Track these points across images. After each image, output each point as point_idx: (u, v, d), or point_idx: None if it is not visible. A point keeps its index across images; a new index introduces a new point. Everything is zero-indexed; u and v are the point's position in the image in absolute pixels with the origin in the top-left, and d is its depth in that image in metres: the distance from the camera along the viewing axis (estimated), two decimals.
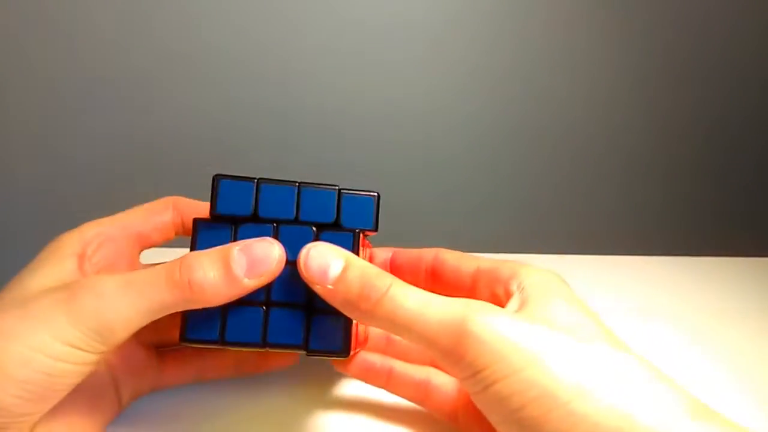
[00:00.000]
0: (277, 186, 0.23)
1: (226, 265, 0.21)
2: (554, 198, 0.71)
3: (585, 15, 0.64)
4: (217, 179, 0.23)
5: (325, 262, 0.21)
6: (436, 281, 0.26)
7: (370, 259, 0.27)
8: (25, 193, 0.61)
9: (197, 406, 0.27)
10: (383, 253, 0.27)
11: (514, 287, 0.23)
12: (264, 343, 0.22)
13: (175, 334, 0.24)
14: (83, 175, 0.61)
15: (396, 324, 0.20)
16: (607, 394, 0.18)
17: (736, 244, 0.50)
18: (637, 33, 0.66)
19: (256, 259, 0.22)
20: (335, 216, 0.23)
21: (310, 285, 0.22)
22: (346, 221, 0.23)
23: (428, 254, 0.26)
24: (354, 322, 0.23)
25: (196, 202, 0.27)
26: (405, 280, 0.26)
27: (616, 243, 0.51)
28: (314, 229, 0.23)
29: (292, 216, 0.23)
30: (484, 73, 0.65)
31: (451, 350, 0.19)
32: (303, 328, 0.22)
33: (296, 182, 0.23)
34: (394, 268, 0.27)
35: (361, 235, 0.24)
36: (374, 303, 0.20)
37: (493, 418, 0.20)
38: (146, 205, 0.26)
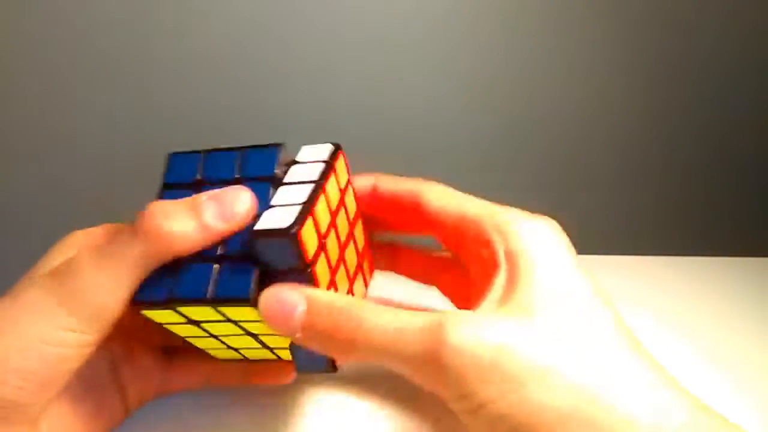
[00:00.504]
0: (222, 152, 0.23)
1: (196, 210, 0.20)
2: (552, 197, 0.71)
3: (582, 14, 0.64)
4: (169, 156, 0.24)
5: (286, 309, 0.20)
6: (419, 221, 0.24)
7: (345, 188, 0.25)
8: (24, 193, 0.61)
9: (202, 413, 0.27)
10: (365, 180, 0.26)
11: (500, 254, 0.21)
12: (213, 298, 0.21)
13: (178, 339, 0.23)
14: (83, 175, 0.61)
15: (376, 355, 0.19)
16: (597, 416, 0.17)
17: (736, 244, 0.50)
18: (635, 33, 0.66)
19: (226, 203, 0.21)
20: (272, 170, 0.23)
21: (276, 331, 0.20)
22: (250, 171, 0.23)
23: (412, 190, 0.24)
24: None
25: None
26: (386, 215, 0.25)
27: (615, 243, 0.51)
28: (271, 188, 0.22)
29: (235, 175, 0.23)
30: (483, 72, 0.65)
31: (433, 373, 0.18)
32: (253, 280, 0.21)
33: (240, 147, 0.23)
34: (375, 199, 0.25)
35: (335, 163, 0.24)
36: (349, 342, 0.19)
37: None
38: None
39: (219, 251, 0.21)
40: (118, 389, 0.24)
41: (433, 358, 0.18)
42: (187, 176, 0.23)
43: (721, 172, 0.74)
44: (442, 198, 0.24)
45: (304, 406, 0.27)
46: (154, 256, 0.20)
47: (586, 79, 0.67)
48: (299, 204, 0.21)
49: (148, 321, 0.22)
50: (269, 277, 0.21)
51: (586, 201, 0.72)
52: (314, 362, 0.22)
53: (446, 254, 0.27)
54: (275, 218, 0.20)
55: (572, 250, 0.21)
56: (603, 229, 0.72)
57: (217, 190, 0.21)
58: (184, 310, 0.21)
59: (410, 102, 0.65)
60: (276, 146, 0.23)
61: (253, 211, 0.21)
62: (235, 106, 0.62)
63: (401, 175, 0.26)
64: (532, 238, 0.21)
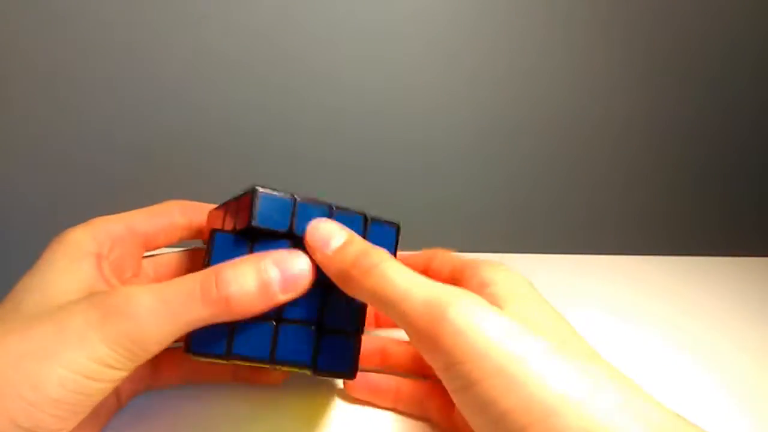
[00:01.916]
0: (314, 206, 0.23)
1: (261, 278, 0.21)
2: (554, 198, 0.71)
3: (587, 15, 0.64)
4: (256, 192, 0.22)
5: (329, 233, 0.22)
6: None
7: None
8: (24, 193, 0.61)
9: (197, 408, 0.27)
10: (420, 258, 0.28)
11: (477, 282, 0.22)
12: (272, 360, 0.22)
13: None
14: (83, 176, 0.61)
15: (381, 298, 0.20)
16: (585, 408, 0.17)
17: (736, 244, 0.50)
18: (638, 34, 0.66)
19: (290, 272, 0.21)
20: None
21: (311, 253, 0.22)
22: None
23: (425, 257, 0.26)
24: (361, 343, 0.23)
25: (202, 204, 0.27)
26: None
27: (615, 243, 0.51)
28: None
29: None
30: (485, 74, 0.65)
31: (427, 335, 0.19)
32: (312, 346, 0.22)
33: (331, 204, 0.23)
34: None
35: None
36: (364, 272, 0.21)
37: (472, 421, 0.19)
38: (150, 208, 0.26)
39: (274, 312, 0.22)
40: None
41: (431, 327, 0.19)
42: (282, 223, 0.23)
43: (721, 173, 0.74)
44: (407, 277, 0.24)
45: (301, 409, 0.27)
46: (216, 319, 0.21)
47: (586, 80, 0.67)
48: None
49: None
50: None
51: (586, 201, 0.72)
52: (338, 361, 0.23)
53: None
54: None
55: (545, 300, 0.23)
56: (603, 229, 0.72)
57: (281, 255, 0.22)
58: (239, 362, 0.22)
59: (411, 102, 0.65)
60: (394, 227, 0.24)
61: (312, 281, 0.22)
62: (237, 106, 0.62)
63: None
64: (509, 277, 0.23)
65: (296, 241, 0.22)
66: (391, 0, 0.60)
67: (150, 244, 0.26)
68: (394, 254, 0.24)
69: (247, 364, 0.22)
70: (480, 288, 0.22)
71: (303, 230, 0.22)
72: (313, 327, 0.22)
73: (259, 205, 0.22)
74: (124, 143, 0.61)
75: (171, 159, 0.62)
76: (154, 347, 0.20)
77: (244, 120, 0.62)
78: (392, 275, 0.20)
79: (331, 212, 0.23)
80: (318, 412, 0.27)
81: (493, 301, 0.21)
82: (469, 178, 0.69)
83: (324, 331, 0.22)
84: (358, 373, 0.24)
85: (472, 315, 0.19)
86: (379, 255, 0.21)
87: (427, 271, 0.25)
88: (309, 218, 0.23)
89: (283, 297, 0.21)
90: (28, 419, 0.19)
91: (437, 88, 0.65)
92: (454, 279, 0.24)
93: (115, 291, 0.21)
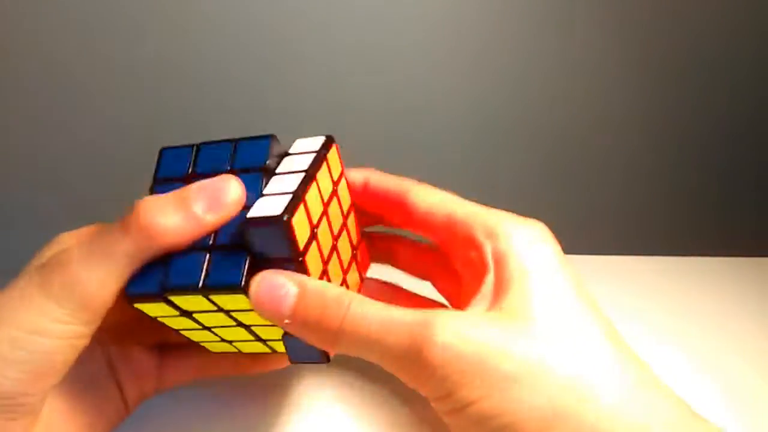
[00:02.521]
0: (214, 145, 0.23)
1: (185, 202, 0.20)
2: (553, 197, 0.71)
3: (585, 12, 0.64)
4: (161, 150, 0.24)
5: (278, 294, 0.20)
6: (409, 219, 0.24)
7: (337, 180, 0.25)
8: (24, 193, 0.61)
9: (202, 413, 0.27)
10: (357, 174, 0.26)
11: (489, 256, 0.21)
12: (204, 286, 0.21)
13: (174, 335, 0.24)
14: (83, 177, 0.61)
15: (359, 345, 0.19)
16: (586, 413, 0.17)
17: (736, 244, 0.50)
18: (637, 31, 0.66)
19: (215, 193, 0.21)
20: (264, 161, 0.22)
21: (269, 319, 0.20)
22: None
23: (401, 187, 0.25)
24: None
25: None
26: (377, 212, 0.25)
27: (615, 243, 0.51)
28: (263, 179, 0.22)
29: (227, 168, 0.23)
30: (483, 71, 0.65)
31: (417, 370, 0.18)
32: (243, 267, 0.21)
33: (232, 138, 0.23)
34: (366, 195, 0.26)
35: (328, 154, 0.24)
36: (335, 327, 0.19)
37: None
38: None
39: (210, 241, 0.21)
40: (116, 388, 0.24)
41: (419, 357, 0.18)
42: (178, 170, 0.23)
43: (720, 173, 0.74)
44: (429, 198, 0.24)
45: (303, 401, 0.27)
46: (144, 251, 0.20)
47: (586, 79, 0.67)
48: (290, 192, 0.21)
49: (143, 318, 0.22)
50: (261, 267, 0.21)
51: (585, 201, 0.72)
52: (307, 353, 0.22)
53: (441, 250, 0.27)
54: (267, 206, 0.20)
55: (560, 252, 0.21)
56: (603, 229, 0.72)
57: (205, 181, 0.21)
58: (176, 300, 0.21)
59: (410, 102, 0.65)
60: (268, 137, 0.23)
61: (243, 201, 0.21)
62: (236, 106, 0.62)
63: (395, 174, 0.26)
64: (519, 241, 0.21)
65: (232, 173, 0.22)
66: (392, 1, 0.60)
67: None
68: (265, 161, 0.22)
69: (185, 306, 0.21)
70: (484, 258, 0.21)
71: (206, 170, 0.23)
72: (245, 251, 0.21)
73: (160, 160, 0.24)
74: (125, 143, 0.61)
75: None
76: (97, 293, 0.20)
77: (245, 120, 0.62)
78: (365, 316, 0.19)
79: (197, 150, 0.23)
80: (321, 412, 0.27)
81: (497, 288, 0.20)
82: (467, 177, 0.69)
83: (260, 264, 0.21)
84: None
85: (455, 336, 0.18)
86: (342, 298, 0.19)
87: (417, 217, 0.24)
88: (210, 157, 0.23)
89: (210, 217, 0.20)
90: None
91: (434, 86, 0.65)
92: (454, 233, 0.22)
93: (54, 252, 0.21)
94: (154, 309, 0.22)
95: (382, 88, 0.64)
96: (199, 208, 0.20)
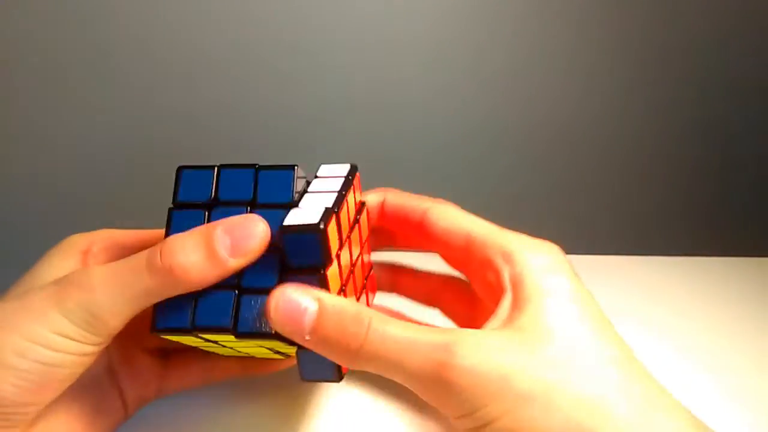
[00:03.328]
0: (235, 170, 0.23)
1: (210, 245, 0.20)
2: (553, 198, 0.71)
3: (584, 15, 0.64)
4: (179, 170, 0.23)
5: (297, 311, 0.19)
6: (426, 239, 0.25)
7: (359, 207, 0.25)
8: (24, 194, 0.61)
9: (202, 415, 0.27)
10: (374, 196, 0.26)
11: (506, 278, 0.21)
12: (235, 329, 0.21)
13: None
14: (83, 177, 0.61)
15: (380, 363, 0.19)
16: (611, 427, 0.17)
17: (736, 244, 0.50)
18: (635, 32, 0.66)
19: (241, 236, 0.21)
20: (287, 196, 0.22)
21: (288, 337, 0.20)
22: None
23: (419, 208, 0.25)
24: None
25: None
26: (393, 230, 0.25)
27: (615, 243, 0.51)
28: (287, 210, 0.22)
29: (250, 197, 0.23)
30: (484, 73, 0.65)
31: (439, 390, 0.18)
32: None
33: (254, 165, 0.23)
34: (383, 214, 0.26)
35: (354, 180, 0.24)
36: (356, 346, 0.19)
37: None
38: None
39: (235, 280, 0.21)
40: (117, 392, 0.24)
41: (441, 377, 0.18)
42: (200, 195, 0.23)
43: (721, 172, 0.74)
44: (448, 218, 0.24)
45: (308, 407, 0.27)
46: (166, 290, 0.21)
47: (585, 79, 0.67)
48: (324, 207, 0.21)
49: (146, 324, 0.23)
50: (285, 281, 0.21)
51: (585, 201, 0.72)
52: (321, 371, 0.22)
53: (446, 274, 0.28)
54: (303, 216, 0.21)
55: (574, 275, 0.21)
56: (602, 229, 0.72)
57: (231, 221, 0.21)
58: (205, 335, 0.22)
59: (410, 102, 0.65)
60: (291, 168, 0.23)
61: (267, 243, 0.21)
62: (236, 106, 0.62)
63: (409, 191, 0.26)
64: (535, 265, 0.21)
65: (255, 206, 0.22)
66: (392, 1, 0.60)
67: None
68: (292, 197, 0.22)
69: (213, 338, 0.22)
70: (501, 279, 0.21)
71: (229, 195, 0.23)
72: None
73: (181, 182, 0.23)
74: (125, 143, 0.61)
75: (171, 160, 0.62)
76: (110, 319, 0.20)
77: (245, 121, 0.62)
78: (386, 335, 0.19)
79: (256, 172, 0.23)
80: (323, 412, 0.27)
81: (515, 308, 0.20)
82: (466, 178, 0.69)
83: None
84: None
85: (478, 356, 0.18)
86: (363, 315, 0.19)
87: (436, 235, 0.24)
88: (233, 183, 0.23)
89: (234, 262, 0.20)
90: None
91: (432, 88, 0.65)
92: (471, 253, 0.23)
93: (75, 270, 0.21)
94: (178, 337, 0.22)
95: (382, 90, 0.64)
96: (224, 251, 0.20)
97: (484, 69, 0.65)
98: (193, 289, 0.21)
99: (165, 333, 0.22)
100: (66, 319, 0.20)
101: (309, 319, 0.19)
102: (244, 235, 0.21)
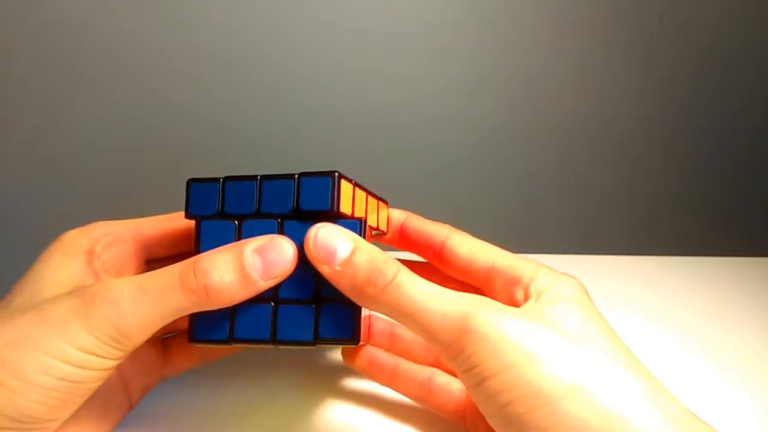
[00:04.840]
0: (239, 182, 0.23)
1: (241, 267, 0.21)
2: (554, 198, 0.71)
3: (585, 17, 0.64)
4: (189, 183, 0.24)
5: (333, 243, 0.21)
6: (447, 266, 0.25)
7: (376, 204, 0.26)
8: (24, 195, 0.61)
9: (203, 404, 0.27)
10: (396, 215, 0.27)
11: (533, 293, 0.22)
12: (273, 340, 0.22)
13: (179, 323, 0.24)
14: (84, 179, 0.61)
15: (399, 312, 0.20)
16: (595, 396, 0.18)
17: (736, 244, 0.50)
18: (640, 36, 0.66)
19: (271, 260, 0.21)
20: (294, 204, 0.22)
21: (317, 266, 0.21)
22: (305, 205, 0.22)
23: (440, 235, 0.26)
24: (363, 311, 0.23)
25: None
26: (413, 252, 0.26)
27: (616, 243, 0.51)
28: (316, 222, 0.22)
29: (254, 209, 0.23)
30: (486, 75, 0.65)
31: (451, 344, 0.20)
32: (312, 323, 0.22)
33: (257, 176, 0.23)
34: (403, 238, 0.27)
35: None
36: (380, 289, 0.20)
37: (484, 411, 0.20)
38: (159, 216, 0.26)
39: (271, 293, 0.22)
40: (122, 385, 0.24)
41: (457, 332, 0.19)
42: (211, 208, 0.23)
43: (720, 172, 0.74)
44: (470, 246, 0.25)
45: (308, 403, 0.27)
46: (196, 307, 0.21)
47: (586, 80, 0.67)
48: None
49: None
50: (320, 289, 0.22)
51: (587, 201, 0.72)
52: (340, 328, 0.22)
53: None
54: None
55: (595, 308, 0.22)
56: (604, 229, 0.72)
57: (263, 243, 0.21)
58: (243, 345, 0.23)
59: (411, 102, 0.65)
60: (290, 177, 0.23)
61: (295, 264, 0.22)
62: (237, 109, 0.62)
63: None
64: (559, 286, 0.22)
65: (284, 218, 0.23)
66: (392, 2, 0.60)
67: (154, 247, 0.26)
68: (332, 204, 0.22)
69: (251, 346, 0.23)
70: (528, 293, 0.22)
71: (234, 208, 0.23)
72: (312, 304, 0.22)
73: (191, 196, 0.23)
74: (125, 143, 0.61)
75: (172, 160, 0.62)
76: (137, 336, 0.20)
77: (246, 124, 0.62)
78: (409, 289, 0.20)
79: (260, 184, 0.23)
80: (326, 408, 0.27)
81: (533, 307, 0.21)
82: (470, 179, 0.69)
83: (321, 301, 0.22)
84: (361, 345, 0.24)
85: (493, 322, 0.19)
86: (391, 267, 0.21)
87: (459, 263, 0.25)
88: (241, 195, 0.23)
89: (264, 284, 0.21)
90: (10, 406, 0.19)
91: (438, 90, 0.65)
92: (495, 279, 0.24)
93: (98, 282, 0.21)
94: (215, 345, 0.23)
95: (384, 95, 0.64)
96: (255, 273, 0.21)
97: (486, 70, 0.65)
98: (223, 306, 0.21)
99: (203, 343, 0.23)
100: (91, 335, 0.19)
101: (343, 251, 0.21)
102: (275, 260, 0.21)
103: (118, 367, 0.24)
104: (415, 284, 0.20)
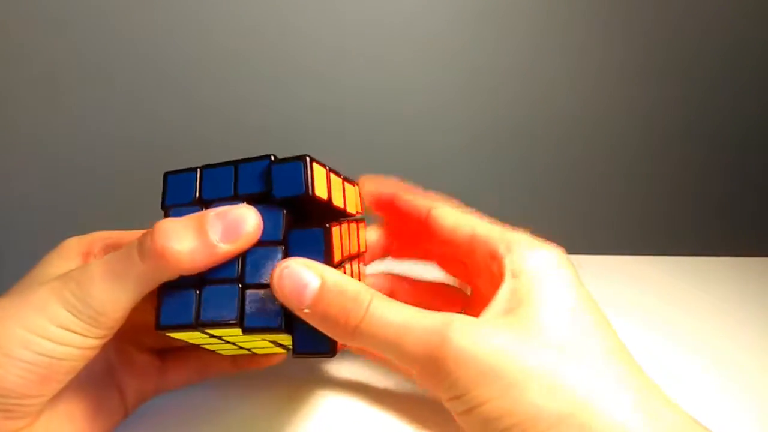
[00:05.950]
0: (216, 168, 0.23)
1: (202, 229, 0.20)
2: (554, 198, 0.71)
3: (586, 14, 0.64)
4: (165, 175, 0.24)
5: (298, 280, 0.20)
6: (431, 237, 0.25)
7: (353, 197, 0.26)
8: (24, 196, 0.61)
9: (199, 411, 0.27)
10: (387, 185, 0.27)
11: (507, 268, 0.21)
12: (241, 323, 0.21)
13: (178, 342, 0.24)
14: (84, 179, 0.61)
15: (377, 342, 0.20)
16: (592, 420, 0.17)
17: (734, 244, 0.50)
18: (638, 35, 0.66)
19: (232, 222, 0.21)
20: (266, 186, 0.22)
21: (288, 307, 0.20)
22: (280, 192, 0.22)
23: (424, 207, 0.25)
24: None
25: None
26: (400, 226, 0.26)
27: (616, 243, 0.51)
28: (284, 211, 0.22)
29: (231, 193, 0.22)
30: (485, 73, 0.65)
31: (432, 371, 0.19)
32: (281, 313, 0.21)
33: (232, 161, 0.23)
34: (392, 209, 0.27)
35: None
36: (354, 323, 0.20)
37: None
38: None
39: (237, 271, 0.21)
40: (117, 390, 0.25)
41: (435, 358, 0.19)
42: (188, 196, 0.23)
43: (720, 172, 0.74)
44: (454, 216, 0.25)
45: (303, 406, 0.28)
46: (158, 275, 0.21)
47: (586, 81, 0.67)
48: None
49: (144, 323, 0.23)
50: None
51: (586, 201, 0.72)
52: (315, 344, 0.22)
53: (440, 282, 0.29)
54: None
55: (574, 272, 0.22)
56: (603, 229, 0.72)
57: (223, 208, 0.21)
58: (210, 330, 0.22)
59: (412, 102, 0.65)
60: (267, 158, 0.23)
61: (260, 233, 0.21)
62: (237, 109, 0.62)
63: (413, 188, 0.27)
64: (537, 259, 0.22)
65: (260, 202, 0.22)
66: (392, 2, 0.60)
67: None
68: (306, 187, 0.21)
69: (218, 333, 0.22)
70: (503, 270, 0.22)
71: (211, 194, 0.23)
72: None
73: (167, 186, 0.23)
74: (125, 146, 0.61)
75: (172, 161, 0.62)
76: (112, 312, 0.20)
77: (244, 122, 0.62)
78: (384, 315, 0.19)
79: (235, 167, 0.23)
80: (322, 410, 0.27)
81: (513, 297, 0.21)
82: (468, 178, 0.69)
83: (295, 321, 0.21)
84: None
85: (472, 344, 0.18)
86: (363, 295, 0.20)
87: (442, 234, 0.24)
88: (217, 181, 0.23)
89: (225, 248, 0.20)
90: None
91: (435, 89, 0.65)
92: (476, 248, 0.23)
93: (77, 267, 0.22)
94: (182, 334, 0.22)
95: (382, 92, 0.64)
96: (215, 235, 0.20)
97: (488, 69, 0.65)
98: (184, 273, 0.21)
99: (169, 330, 0.22)
100: (67, 312, 0.20)
101: (310, 291, 0.20)
102: (236, 222, 0.21)
103: (111, 371, 0.25)
104: (390, 309, 0.20)
